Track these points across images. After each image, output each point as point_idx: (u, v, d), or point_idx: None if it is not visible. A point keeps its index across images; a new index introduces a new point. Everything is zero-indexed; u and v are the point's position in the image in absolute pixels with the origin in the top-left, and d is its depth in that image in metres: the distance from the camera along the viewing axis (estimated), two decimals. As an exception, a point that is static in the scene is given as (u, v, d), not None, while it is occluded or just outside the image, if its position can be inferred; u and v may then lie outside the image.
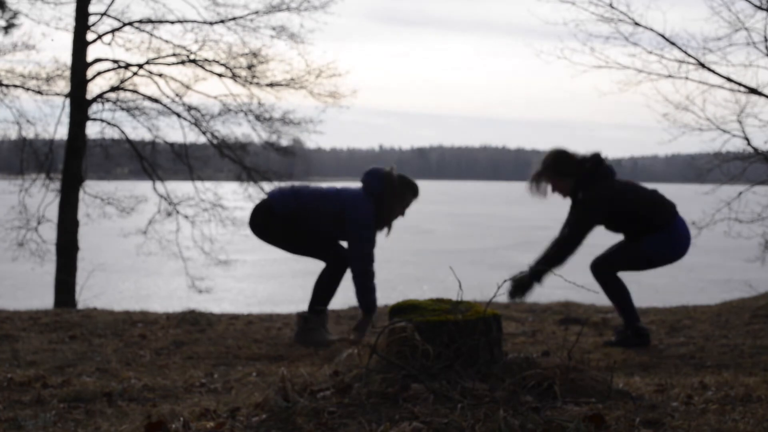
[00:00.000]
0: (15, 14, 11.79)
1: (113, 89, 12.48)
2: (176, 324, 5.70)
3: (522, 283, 4.78)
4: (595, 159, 4.92)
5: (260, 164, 13.82)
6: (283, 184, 5.22)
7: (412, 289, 21.00)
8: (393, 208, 5.02)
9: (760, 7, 9.02)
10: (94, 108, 12.51)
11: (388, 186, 4.99)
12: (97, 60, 12.32)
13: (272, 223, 5.03)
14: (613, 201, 4.87)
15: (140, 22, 12.25)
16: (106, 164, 14.02)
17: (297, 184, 5.19)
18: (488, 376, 2.53)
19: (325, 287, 5.10)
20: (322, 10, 12.32)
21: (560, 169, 4.94)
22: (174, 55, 12.45)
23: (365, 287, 4.95)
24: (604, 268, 5.01)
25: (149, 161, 13.13)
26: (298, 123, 12.97)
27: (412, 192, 5.10)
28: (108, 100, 12.56)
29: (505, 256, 28.93)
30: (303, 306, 5.30)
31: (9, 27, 11.88)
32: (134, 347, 4.71)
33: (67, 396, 3.07)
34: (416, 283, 22.32)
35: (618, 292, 5.01)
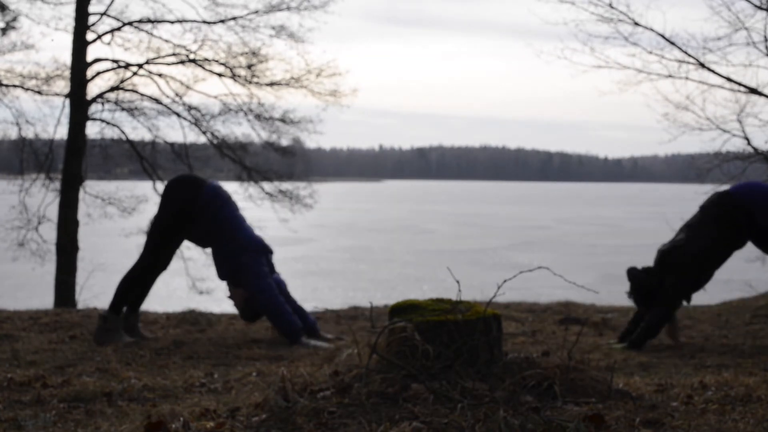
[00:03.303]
0: (15, 17, 11.79)
1: (113, 89, 12.48)
2: (176, 324, 5.70)
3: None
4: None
5: (260, 164, 13.82)
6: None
7: (412, 289, 21.00)
8: None
9: (760, 7, 9.02)
10: (94, 108, 12.50)
11: None
12: (96, 60, 12.32)
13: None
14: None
15: (140, 21, 12.25)
16: (106, 164, 14.01)
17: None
18: (488, 376, 2.52)
19: (127, 289, 5.13)
20: (322, 9, 12.34)
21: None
22: (173, 54, 12.45)
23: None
24: None
25: (149, 161, 13.12)
26: (298, 122, 12.98)
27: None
28: (108, 100, 12.56)
29: (505, 256, 28.94)
30: (305, 306, 5.32)
31: (7, 29, 11.88)
32: (134, 347, 4.71)
33: (67, 396, 3.06)
34: (416, 283, 22.31)
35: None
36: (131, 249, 14.25)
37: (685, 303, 5.14)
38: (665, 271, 5.02)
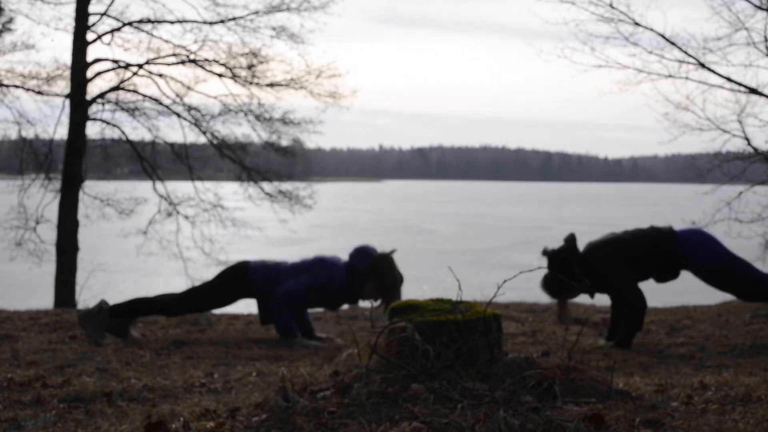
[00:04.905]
0: (11, 19, 11.80)
1: (113, 89, 12.47)
2: (176, 324, 5.70)
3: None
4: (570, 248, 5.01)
5: (260, 164, 13.82)
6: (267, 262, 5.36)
7: (412, 289, 20.97)
8: (367, 289, 5.27)
9: (760, 7, 9.02)
10: (94, 108, 12.50)
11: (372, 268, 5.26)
12: (97, 60, 12.32)
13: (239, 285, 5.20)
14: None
15: (140, 22, 12.24)
16: (106, 164, 14.01)
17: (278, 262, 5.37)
18: (488, 376, 2.52)
19: (143, 305, 5.15)
20: (322, 10, 12.32)
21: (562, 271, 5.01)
22: (174, 55, 12.44)
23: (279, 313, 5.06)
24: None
25: (149, 161, 13.12)
26: (298, 123, 12.96)
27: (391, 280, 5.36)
28: (108, 101, 12.55)
29: (505, 256, 28.93)
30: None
31: (3, 30, 11.89)
32: (134, 347, 4.71)
33: (67, 396, 3.07)
34: (416, 283, 22.29)
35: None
36: (130, 249, 14.29)
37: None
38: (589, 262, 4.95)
